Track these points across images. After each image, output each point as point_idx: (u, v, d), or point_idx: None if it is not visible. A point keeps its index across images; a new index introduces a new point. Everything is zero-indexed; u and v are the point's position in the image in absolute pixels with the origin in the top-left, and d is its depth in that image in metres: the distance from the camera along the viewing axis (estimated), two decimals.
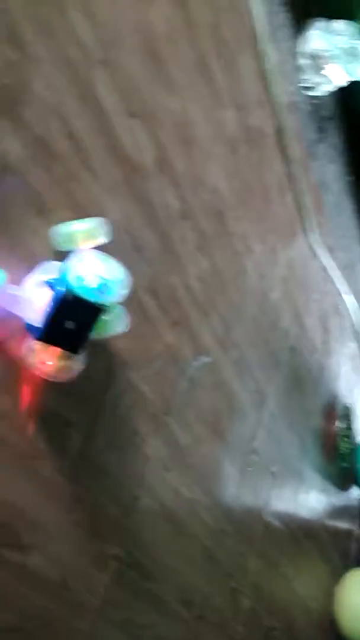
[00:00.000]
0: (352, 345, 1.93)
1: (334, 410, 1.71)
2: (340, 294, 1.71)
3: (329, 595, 1.52)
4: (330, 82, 1.35)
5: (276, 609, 1.17)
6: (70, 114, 0.62)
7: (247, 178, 1.07)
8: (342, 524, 1.76)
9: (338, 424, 1.70)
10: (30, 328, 0.56)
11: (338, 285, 1.66)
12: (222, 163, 0.97)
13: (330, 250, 1.58)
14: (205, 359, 0.93)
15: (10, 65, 0.54)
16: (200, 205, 0.90)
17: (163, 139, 0.79)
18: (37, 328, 0.54)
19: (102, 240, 0.60)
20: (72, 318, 0.55)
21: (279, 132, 1.19)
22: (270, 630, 1.13)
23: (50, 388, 0.60)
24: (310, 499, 1.43)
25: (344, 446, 1.66)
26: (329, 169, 1.56)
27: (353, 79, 1.33)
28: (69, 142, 0.62)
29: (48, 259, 0.58)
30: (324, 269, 1.55)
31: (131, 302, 0.74)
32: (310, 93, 1.35)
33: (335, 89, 1.38)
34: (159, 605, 0.79)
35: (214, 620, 0.93)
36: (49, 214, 0.60)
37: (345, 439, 1.70)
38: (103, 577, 0.69)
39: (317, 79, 1.35)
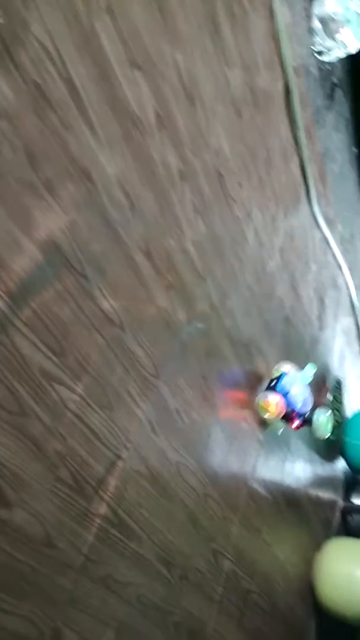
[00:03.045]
0: (347, 319, 1.92)
1: (325, 383, 1.71)
2: (339, 267, 1.69)
3: (309, 563, 1.55)
4: (342, 47, 1.31)
5: (256, 573, 1.19)
6: (70, 60, 0.59)
7: (251, 142, 1.04)
8: (326, 495, 1.78)
9: (328, 397, 1.71)
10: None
11: (337, 258, 1.64)
12: (226, 124, 0.94)
13: (331, 222, 1.56)
14: (198, 325, 0.92)
15: (7, 3, 0.51)
16: (201, 167, 0.88)
17: (166, 94, 0.76)
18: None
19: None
20: None
21: (286, 96, 1.16)
22: (249, 593, 1.15)
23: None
24: (296, 469, 1.45)
25: (332, 419, 1.67)
26: (335, 138, 1.53)
27: None
28: (66, 89, 0.59)
29: None
30: (325, 241, 1.53)
31: (124, 261, 0.73)
32: (321, 58, 1.31)
33: (347, 56, 1.34)
34: (142, 564, 0.80)
35: (195, 581, 0.95)
36: (42, 170, 0.58)
37: (335, 412, 1.71)
38: (87, 535, 0.69)
39: (329, 44, 1.30)
